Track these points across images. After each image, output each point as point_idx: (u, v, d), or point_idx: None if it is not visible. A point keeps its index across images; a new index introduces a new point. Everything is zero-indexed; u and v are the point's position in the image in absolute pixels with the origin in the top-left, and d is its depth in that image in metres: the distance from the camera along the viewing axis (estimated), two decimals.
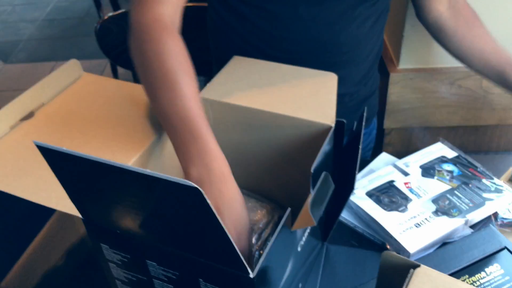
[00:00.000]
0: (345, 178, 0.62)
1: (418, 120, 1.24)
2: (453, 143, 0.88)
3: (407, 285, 0.49)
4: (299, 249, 0.57)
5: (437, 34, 0.93)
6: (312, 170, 0.50)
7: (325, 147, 0.57)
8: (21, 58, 2.97)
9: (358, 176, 0.82)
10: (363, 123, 0.59)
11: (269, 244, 0.46)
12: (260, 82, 0.70)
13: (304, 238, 0.58)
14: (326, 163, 0.59)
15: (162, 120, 0.58)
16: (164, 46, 0.60)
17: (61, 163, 0.45)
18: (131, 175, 0.39)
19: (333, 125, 0.61)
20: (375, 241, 0.72)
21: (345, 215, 0.76)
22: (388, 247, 0.70)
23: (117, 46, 1.39)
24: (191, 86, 0.58)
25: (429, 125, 1.25)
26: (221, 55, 0.87)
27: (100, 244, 0.54)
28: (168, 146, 0.62)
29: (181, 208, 0.42)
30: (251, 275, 0.44)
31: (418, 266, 0.51)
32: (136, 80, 1.51)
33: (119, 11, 1.36)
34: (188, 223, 0.43)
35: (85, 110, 0.67)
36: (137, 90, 0.68)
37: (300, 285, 0.63)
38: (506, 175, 0.85)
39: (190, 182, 0.36)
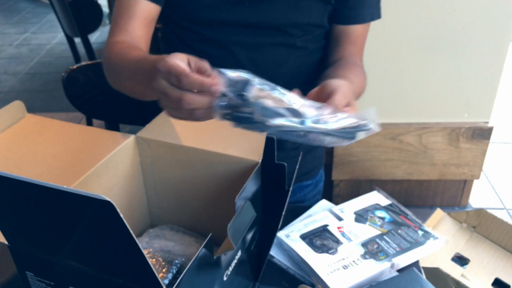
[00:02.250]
0: (273, 218, 0.65)
1: (365, 172, 1.30)
2: (399, 197, 0.93)
3: None
4: (225, 278, 0.59)
5: (328, 43, 0.93)
6: (236, 200, 0.53)
7: (251, 181, 0.60)
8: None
9: (296, 220, 0.85)
10: (298, 165, 0.64)
11: (189, 264, 0.47)
12: (195, 124, 0.74)
13: (230, 268, 0.60)
14: (254, 197, 0.62)
15: (140, 84, 0.69)
16: (116, 48, 0.77)
17: None
18: (48, 192, 0.41)
19: (259, 160, 0.65)
20: (306, 282, 0.74)
21: (279, 257, 0.79)
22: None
23: (82, 95, 1.43)
24: (137, 52, 0.74)
25: (375, 177, 1.32)
26: None
27: (25, 272, 0.54)
28: (104, 178, 0.64)
29: (96, 224, 0.43)
30: None
31: None
32: (107, 129, 1.53)
33: (86, 62, 1.41)
34: (104, 240, 0.44)
35: (24, 147, 0.69)
36: (78, 130, 0.72)
37: None
38: (430, 222, 0.89)
39: (101, 196, 0.38)
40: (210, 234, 0.51)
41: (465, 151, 1.36)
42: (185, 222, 0.76)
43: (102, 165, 0.65)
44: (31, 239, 0.51)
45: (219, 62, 0.88)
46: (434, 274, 0.99)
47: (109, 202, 0.38)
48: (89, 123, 2.03)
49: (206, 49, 0.86)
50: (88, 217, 0.43)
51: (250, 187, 0.60)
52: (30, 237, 0.50)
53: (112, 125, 1.40)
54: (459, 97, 1.29)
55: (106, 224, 0.42)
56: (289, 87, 0.77)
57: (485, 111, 1.35)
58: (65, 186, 0.40)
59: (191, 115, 0.56)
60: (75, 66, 1.37)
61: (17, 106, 0.75)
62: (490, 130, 1.42)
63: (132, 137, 0.71)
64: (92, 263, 0.48)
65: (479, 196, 1.75)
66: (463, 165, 1.38)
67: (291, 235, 0.80)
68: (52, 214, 0.45)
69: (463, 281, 1.01)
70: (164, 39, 0.96)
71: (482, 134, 1.35)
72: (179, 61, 0.55)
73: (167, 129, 0.72)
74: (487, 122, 1.42)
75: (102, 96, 1.36)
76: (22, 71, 3.49)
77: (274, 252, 0.79)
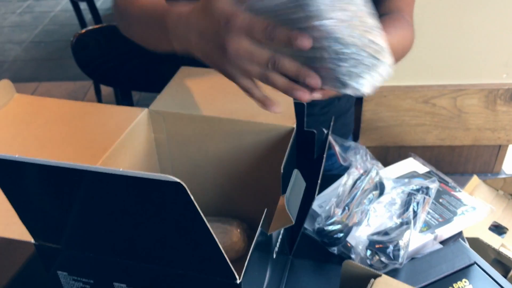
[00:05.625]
0: (308, 188, 0.60)
1: (393, 138, 1.23)
2: (429, 164, 0.87)
3: None
4: (274, 256, 0.54)
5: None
6: (282, 169, 0.48)
7: (291, 147, 0.55)
8: (5, 79, 2.93)
9: (327, 189, 0.80)
10: (330, 130, 0.58)
11: (252, 246, 0.43)
12: (212, 89, 0.68)
13: (278, 245, 0.55)
14: (292, 165, 0.57)
15: (161, 42, 0.60)
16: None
17: (14, 176, 0.40)
18: (104, 177, 0.35)
19: (294, 126, 0.59)
20: (341, 254, 0.70)
21: (311, 228, 0.74)
22: (353, 257, 0.67)
23: (93, 60, 1.37)
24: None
25: (404, 144, 1.25)
26: None
27: (56, 272, 0.49)
28: (121, 159, 0.59)
29: (161, 209, 0.38)
30: (238, 281, 0.40)
31: (379, 276, 0.48)
32: (117, 97, 1.48)
33: (96, 26, 1.34)
34: (168, 227, 0.39)
35: (24, 131, 0.62)
36: (80, 108, 0.65)
37: None
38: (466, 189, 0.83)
39: (172, 178, 0.33)
40: (266, 209, 0.46)
41: (502, 114, 1.28)
42: (206, 204, 0.70)
43: (119, 145, 0.58)
44: (70, 235, 0.45)
45: None
46: (474, 244, 0.94)
47: (179, 183, 0.33)
48: (97, 91, 1.99)
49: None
50: (154, 202, 0.37)
51: (291, 155, 0.54)
52: (70, 232, 0.44)
53: (124, 93, 1.35)
54: (497, 56, 1.20)
55: (175, 209, 0.36)
56: None
57: None
58: (126, 170, 0.33)
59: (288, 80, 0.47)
60: (83, 31, 1.31)
61: (5, 85, 0.67)
62: None
63: (145, 111, 0.64)
64: (147, 256, 0.43)
65: None
66: (499, 129, 1.30)
67: (324, 205, 0.75)
68: (104, 204, 0.39)
69: (503, 251, 0.96)
70: None
71: None
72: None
73: (182, 98, 0.65)
74: None
75: (113, 62, 1.30)
76: (27, 39, 3.43)
77: (306, 224, 0.74)
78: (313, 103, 0.83)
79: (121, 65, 1.24)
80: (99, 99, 2.56)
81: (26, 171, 0.38)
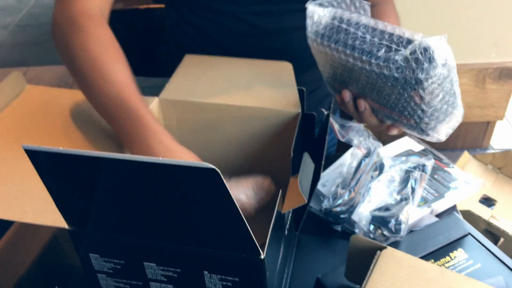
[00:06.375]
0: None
1: None
2: (420, 140, 0.91)
3: (374, 266, 0.50)
4: (286, 232, 0.58)
5: None
6: (291, 152, 0.51)
7: (298, 132, 0.58)
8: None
9: (328, 169, 0.84)
10: (330, 112, 0.61)
11: (271, 225, 0.46)
12: (218, 77, 0.70)
13: (288, 222, 0.59)
14: (299, 147, 0.61)
15: (98, 111, 0.56)
16: (89, 35, 0.57)
17: (53, 166, 0.42)
18: (139, 166, 0.38)
19: (299, 111, 0.62)
20: (345, 230, 0.74)
21: (316, 206, 0.78)
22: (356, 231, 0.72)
23: None
24: (122, 71, 0.56)
25: None
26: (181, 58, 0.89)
27: (88, 254, 0.51)
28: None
29: (194, 194, 0.40)
30: (262, 256, 0.43)
31: (385, 248, 0.53)
32: None
33: None
34: (200, 209, 0.42)
35: (40, 122, 0.63)
36: None
37: (286, 269, 0.63)
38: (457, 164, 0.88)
39: (207, 164, 0.35)
40: (280, 190, 0.49)
41: (491, 92, 1.33)
42: None
43: None
44: (103, 219, 0.47)
45: (232, 32, 0.84)
46: (466, 216, 0.99)
47: (214, 170, 0.35)
48: None
49: (218, 18, 0.81)
50: (186, 187, 0.39)
51: (298, 138, 0.58)
52: (103, 217, 0.47)
53: None
54: (487, 36, 1.24)
55: (206, 193, 0.39)
56: (308, 51, 0.73)
57: None
58: (162, 159, 0.36)
59: None
60: None
61: (16, 77, 0.68)
62: None
63: (155, 100, 0.66)
64: (176, 237, 0.46)
65: (500, 137, 1.73)
66: (488, 106, 1.36)
67: (327, 184, 0.79)
68: (137, 189, 0.41)
69: (493, 222, 1.02)
70: (169, 19, 0.90)
71: (509, 74, 1.31)
72: None
73: (191, 86, 0.68)
74: None
75: None
76: (12, 23, 3.37)
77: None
78: (310, 90, 0.87)
79: None
80: None
81: (69, 163, 0.40)
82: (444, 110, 0.56)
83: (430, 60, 0.51)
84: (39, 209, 0.49)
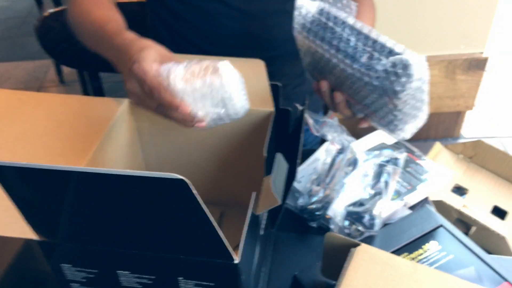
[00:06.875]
0: (289, 166, 0.64)
1: None
2: None
3: (349, 263, 0.51)
4: (261, 232, 0.58)
5: None
6: (264, 153, 0.51)
7: (271, 131, 0.58)
8: None
9: (303, 164, 0.84)
10: (304, 109, 0.62)
11: (244, 228, 0.46)
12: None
13: (263, 222, 0.59)
14: (273, 146, 0.61)
15: (93, 48, 0.70)
16: (94, 11, 0.71)
17: (17, 180, 0.41)
18: (108, 178, 0.37)
19: (272, 109, 0.62)
20: (321, 226, 0.75)
21: (292, 203, 0.78)
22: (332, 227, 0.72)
23: (59, 43, 1.34)
24: (102, 11, 0.71)
25: None
26: None
27: (59, 265, 0.50)
28: (110, 151, 0.60)
29: (165, 204, 0.40)
30: (236, 261, 0.43)
31: (359, 245, 0.53)
32: (82, 78, 1.46)
33: (61, 8, 1.31)
34: (171, 219, 0.42)
35: (7, 127, 0.61)
36: (61, 101, 0.65)
37: (263, 268, 0.63)
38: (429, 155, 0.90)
39: (175, 175, 0.35)
40: (254, 193, 0.49)
41: (461, 83, 1.36)
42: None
43: (106, 137, 0.59)
44: (75, 231, 0.46)
45: (213, 16, 0.84)
46: (439, 206, 1.01)
47: (183, 180, 0.35)
48: (59, 71, 1.91)
49: (200, 3, 0.80)
50: (156, 197, 0.39)
51: (272, 137, 0.58)
52: (73, 228, 0.46)
53: (92, 74, 1.33)
54: (455, 28, 1.26)
55: (176, 202, 0.39)
56: (289, 35, 0.74)
57: (481, 41, 1.33)
58: (131, 171, 0.36)
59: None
60: (47, 13, 1.27)
61: None
62: (485, 60, 1.41)
63: (125, 101, 0.65)
64: (150, 245, 0.45)
65: (471, 127, 1.77)
66: (458, 97, 1.39)
67: (302, 180, 0.80)
68: (107, 201, 0.41)
69: (464, 211, 1.04)
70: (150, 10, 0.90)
71: (478, 65, 1.35)
72: (153, 65, 0.54)
73: None
74: (482, 53, 1.41)
75: (80, 44, 1.28)
76: None
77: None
78: (285, 84, 0.87)
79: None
80: (61, 79, 2.50)
81: (28, 176, 0.39)
82: (413, 114, 0.60)
83: (408, 75, 0.54)
84: (7, 220, 0.47)
